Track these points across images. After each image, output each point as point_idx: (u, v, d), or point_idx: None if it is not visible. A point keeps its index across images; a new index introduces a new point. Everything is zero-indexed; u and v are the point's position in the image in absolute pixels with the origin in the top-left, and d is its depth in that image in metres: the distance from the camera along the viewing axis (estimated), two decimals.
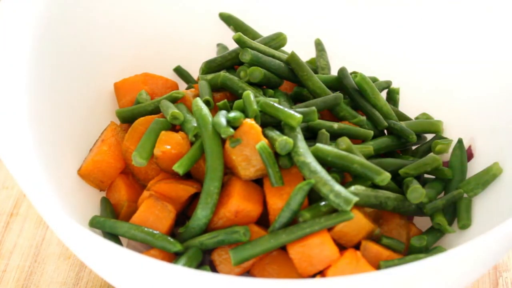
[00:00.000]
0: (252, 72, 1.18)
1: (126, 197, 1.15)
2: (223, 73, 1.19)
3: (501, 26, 1.25)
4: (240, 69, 1.20)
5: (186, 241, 1.08)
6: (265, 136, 1.09)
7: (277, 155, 1.08)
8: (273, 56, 1.22)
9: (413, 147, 1.26)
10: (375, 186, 1.10)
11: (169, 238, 1.07)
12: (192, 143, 1.12)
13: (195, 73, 1.35)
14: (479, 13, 1.28)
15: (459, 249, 0.89)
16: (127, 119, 1.22)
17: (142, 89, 1.25)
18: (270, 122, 1.12)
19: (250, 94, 1.11)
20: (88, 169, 1.17)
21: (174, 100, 1.18)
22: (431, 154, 1.22)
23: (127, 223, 1.09)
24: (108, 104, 1.28)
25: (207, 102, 1.14)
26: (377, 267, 1.06)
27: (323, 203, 1.05)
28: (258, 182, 1.09)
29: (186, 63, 1.37)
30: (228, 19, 1.36)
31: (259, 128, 1.08)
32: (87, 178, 1.18)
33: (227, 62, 1.23)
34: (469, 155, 1.23)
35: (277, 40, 1.26)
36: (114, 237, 1.11)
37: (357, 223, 1.05)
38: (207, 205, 1.06)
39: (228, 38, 1.33)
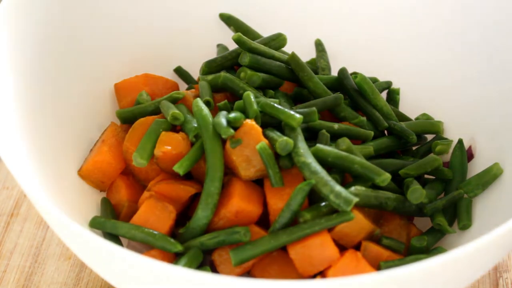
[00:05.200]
0: (250, 77, 1.18)
1: (127, 197, 1.16)
2: (223, 73, 1.19)
3: (501, 26, 1.25)
4: (240, 70, 1.20)
5: (186, 241, 1.08)
6: (266, 136, 1.09)
7: (277, 156, 1.08)
8: (273, 57, 1.22)
9: (414, 148, 1.26)
10: (375, 186, 1.10)
11: (169, 238, 1.07)
12: (192, 144, 1.12)
13: (195, 73, 1.35)
14: (479, 13, 1.28)
15: (460, 250, 0.89)
16: (127, 119, 1.22)
17: (142, 89, 1.25)
18: (270, 122, 1.12)
19: (250, 94, 1.11)
20: (88, 169, 1.17)
21: (175, 101, 1.18)
22: (431, 154, 1.22)
23: (128, 224, 1.09)
24: (109, 105, 1.28)
25: (207, 103, 1.14)
26: (378, 267, 1.06)
27: (323, 203, 1.05)
28: (259, 182, 1.10)
29: (187, 63, 1.37)
30: (228, 20, 1.36)
31: (259, 129, 1.08)
32: (87, 179, 1.18)
33: (227, 62, 1.23)
34: (470, 156, 1.23)
35: (277, 41, 1.26)
36: (114, 237, 1.11)
37: (358, 224, 1.05)
38: (208, 205, 1.06)
39: (228, 39, 1.33)
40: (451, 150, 1.24)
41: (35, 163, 1.08)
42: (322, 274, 1.04)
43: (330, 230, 1.04)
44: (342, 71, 1.25)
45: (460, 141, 1.23)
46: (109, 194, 1.19)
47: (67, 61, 1.23)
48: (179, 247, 1.06)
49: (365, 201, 1.07)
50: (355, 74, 1.25)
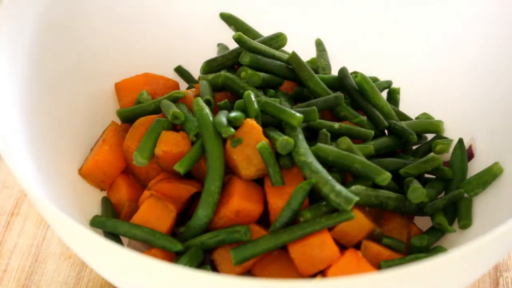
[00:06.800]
0: (251, 76, 1.18)
1: (127, 196, 1.16)
2: (224, 72, 1.19)
3: (501, 26, 1.25)
4: (240, 70, 1.20)
5: (187, 240, 1.08)
6: (266, 136, 1.09)
7: (278, 155, 1.08)
8: (274, 56, 1.22)
9: (414, 147, 1.26)
10: (375, 186, 1.10)
11: (170, 237, 1.07)
12: (193, 143, 1.12)
13: (195, 73, 1.35)
14: (479, 13, 1.28)
15: (460, 249, 0.89)
16: (128, 119, 1.22)
17: (143, 89, 1.25)
18: (271, 122, 1.12)
19: (251, 94, 1.11)
20: (89, 168, 1.17)
21: (175, 100, 1.18)
22: (432, 154, 1.22)
23: (128, 223, 1.09)
24: (109, 104, 1.28)
25: (208, 102, 1.14)
26: (378, 267, 1.06)
27: (323, 202, 1.05)
28: (259, 181, 1.10)
29: (187, 63, 1.37)
30: (228, 19, 1.36)
31: (260, 128, 1.08)
32: (88, 178, 1.18)
33: (227, 62, 1.23)
34: (470, 155, 1.23)
35: (278, 40, 1.26)
36: (115, 236, 1.11)
37: (358, 223, 1.05)
38: (208, 204, 1.06)
39: (228, 38, 1.33)
40: (451, 150, 1.24)
41: (35, 162, 1.08)
42: (322, 273, 1.04)
43: (330, 229, 1.04)
44: (343, 71, 1.25)
45: (460, 141, 1.23)
46: (109, 194, 1.19)
47: (67, 60, 1.23)
48: (179, 246, 1.06)
49: (365, 200, 1.07)
50: (355, 73, 1.25)
